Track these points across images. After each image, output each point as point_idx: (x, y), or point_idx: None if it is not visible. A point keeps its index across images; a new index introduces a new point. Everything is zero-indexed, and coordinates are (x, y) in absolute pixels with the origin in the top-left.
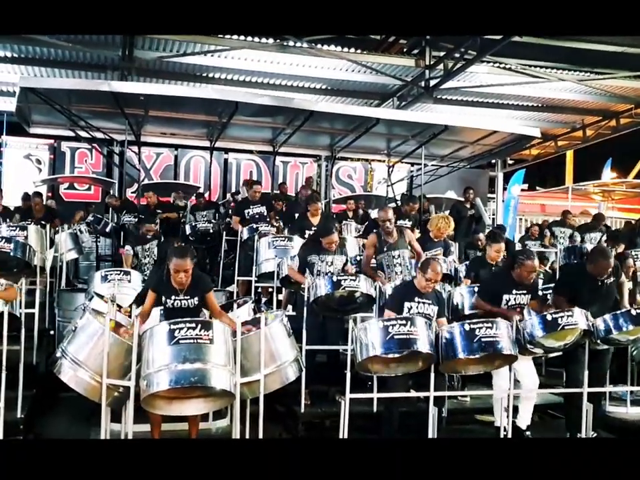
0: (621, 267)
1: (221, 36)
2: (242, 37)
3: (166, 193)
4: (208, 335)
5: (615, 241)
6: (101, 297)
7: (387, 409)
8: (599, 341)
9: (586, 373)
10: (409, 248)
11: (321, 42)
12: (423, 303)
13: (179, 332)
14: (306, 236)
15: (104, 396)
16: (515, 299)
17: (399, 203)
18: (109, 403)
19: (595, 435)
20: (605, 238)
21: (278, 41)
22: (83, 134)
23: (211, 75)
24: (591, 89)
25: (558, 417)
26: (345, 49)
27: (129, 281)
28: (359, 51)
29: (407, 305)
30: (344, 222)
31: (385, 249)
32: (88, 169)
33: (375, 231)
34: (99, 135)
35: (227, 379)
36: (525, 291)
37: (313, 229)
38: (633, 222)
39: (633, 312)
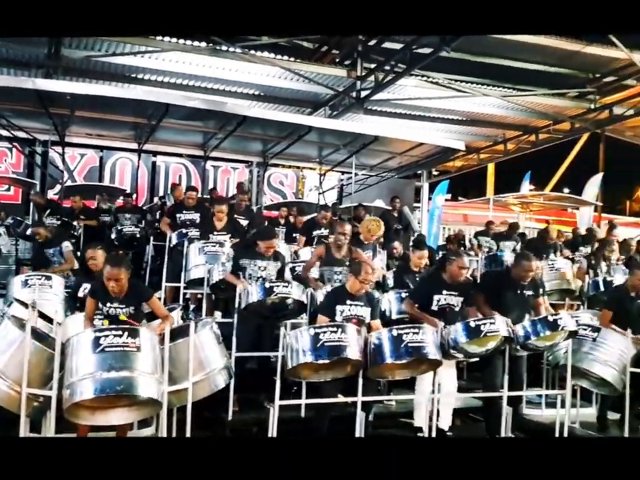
0: None
1: (152, 37)
2: (174, 39)
3: (90, 196)
4: (135, 343)
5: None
6: (22, 303)
7: (317, 413)
8: (518, 347)
9: (506, 377)
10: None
11: (254, 48)
12: (355, 305)
13: (105, 339)
14: (211, 240)
15: (23, 406)
16: (445, 299)
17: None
18: (28, 413)
19: (513, 436)
20: (519, 246)
21: (210, 45)
22: (3, 132)
23: (140, 76)
24: (513, 104)
25: (479, 420)
26: (279, 56)
27: (51, 286)
28: (292, 59)
29: (339, 308)
30: (276, 229)
31: (330, 263)
32: (8, 169)
33: (325, 242)
34: (21, 134)
35: (155, 387)
36: (455, 292)
37: (216, 233)
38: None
39: (550, 318)
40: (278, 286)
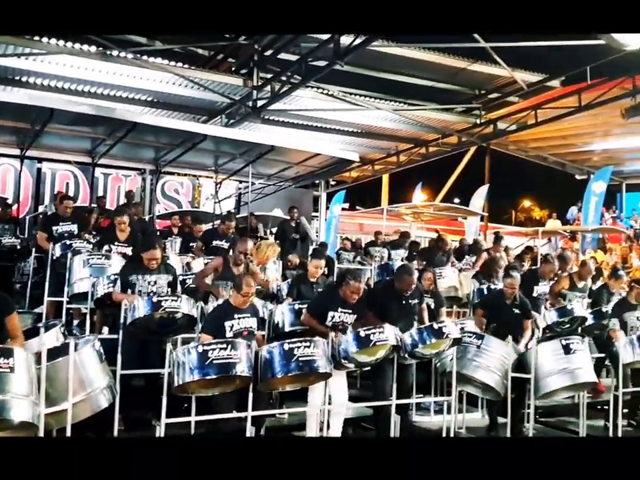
0: (419, 281)
1: (37, 39)
2: (61, 42)
3: None
4: (8, 363)
5: (420, 257)
6: None
7: (209, 430)
8: (406, 355)
9: (394, 385)
10: None
11: (147, 53)
12: (243, 317)
13: None
14: (113, 251)
15: None
16: (339, 317)
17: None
18: None
19: None
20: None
21: (101, 49)
22: None
23: (24, 79)
24: (404, 118)
25: (369, 428)
26: (172, 63)
27: None
28: (186, 66)
29: (227, 324)
30: (169, 239)
31: (226, 277)
32: None
33: (224, 257)
34: None
35: (29, 409)
36: (350, 310)
37: (117, 243)
38: (432, 241)
39: (436, 326)
40: (166, 300)
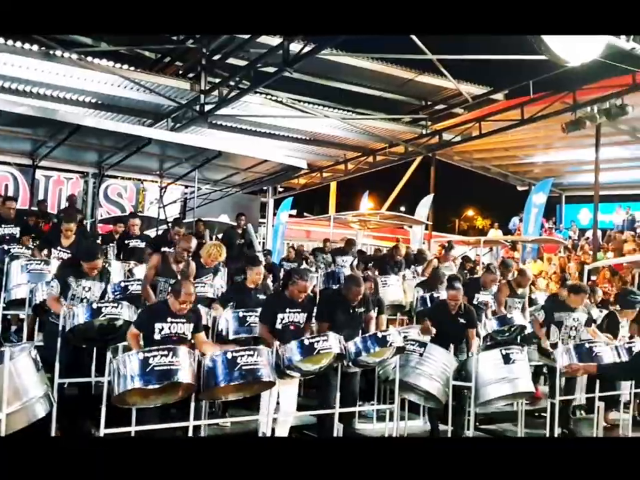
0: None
1: None
2: (1, 40)
3: None
4: None
5: (365, 265)
6: None
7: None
8: (350, 364)
9: (338, 394)
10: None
11: (92, 54)
12: (176, 322)
13: None
14: (53, 256)
15: None
16: (289, 317)
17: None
18: None
19: None
20: (355, 262)
21: (43, 48)
22: None
23: None
24: (353, 127)
25: (312, 436)
26: (118, 65)
27: None
28: (132, 68)
29: (157, 326)
30: (110, 244)
31: (166, 274)
32: None
33: (162, 252)
34: None
35: None
36: (299, 309)
37: (60, 249)
38: (385, 250)
39: (379, 335)
40: (107, 307)
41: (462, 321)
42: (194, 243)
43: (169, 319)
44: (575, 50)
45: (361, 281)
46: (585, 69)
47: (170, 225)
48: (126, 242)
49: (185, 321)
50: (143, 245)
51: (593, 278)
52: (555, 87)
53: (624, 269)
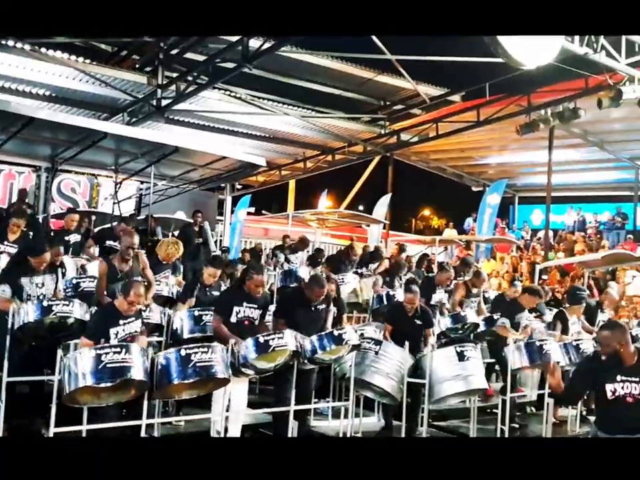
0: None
1: None
2: None
3: None
4: None
5: (314, 265)
6: None
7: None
8: (306, 361)
9: (293, 391)
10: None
11: (46, 46)
12: (128, 323)
13: None
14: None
15: None
16: (244, 312)
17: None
18: None
19: None
20: (307, 261)
21: None
22: None
23: None
24: (312, 125)
25: (268, 434)
26: (73, 57)
27: None
28: (87, 61)
29: (112, 330)
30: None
31: (117, 278)
32: None
33: (104, 258)
34: None
35: None
36: (255, 305)
37: (6, 243)
38: (341, 249)
39: (335, 333)
40: (57, 304)
41: (418, 322)
42: (137, 238)
43: (121, 322)
44: (531, 53)
45: (324, 281)
46: (539, 73)
47: (119, 219)
48: (66, 238)
49: (134, 318)
50: (78, 238)
51: (544, 277)
52: (511, 89)
53: (574, 269)
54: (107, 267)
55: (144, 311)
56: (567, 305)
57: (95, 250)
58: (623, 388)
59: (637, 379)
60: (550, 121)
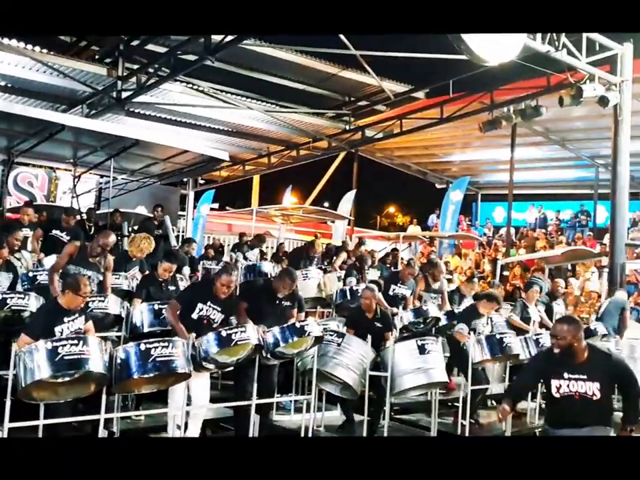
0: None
1: None
2: None
3: None
4: None
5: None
6: None
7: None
8: (269, 355)
9: (255, 385)
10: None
11: (1, 34)
12: (73, 320)
13: None
14: None
15: None
16: (207, 311)
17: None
18: None
19: None
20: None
21: None
22: None
23: None
24: (276, 120)
25: (229, 429)
26: (30, 46)
27: None
28: (45, 51)
29: (57, 329)
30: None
31: (80, 263)
32: None
33: (77, 242)
34: None
35: None
36: (219, 307)
37: None
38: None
39: (297, 325)
40: (12, 297)
41: (378, 324)
42: (112, 238)
43: (66, 319)
44: (494, 50)
45: (295, 275)
46: (502, 70)
47: (64, 211)
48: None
49: (77, 315)
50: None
51: (506, 273)
52: (474, 87)
53: (535, 264)
54: (77, 251)
55: (102, 301)
56: (524, 295)
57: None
58: (568, 386)
59: (585, 377)
60: (512, 119)
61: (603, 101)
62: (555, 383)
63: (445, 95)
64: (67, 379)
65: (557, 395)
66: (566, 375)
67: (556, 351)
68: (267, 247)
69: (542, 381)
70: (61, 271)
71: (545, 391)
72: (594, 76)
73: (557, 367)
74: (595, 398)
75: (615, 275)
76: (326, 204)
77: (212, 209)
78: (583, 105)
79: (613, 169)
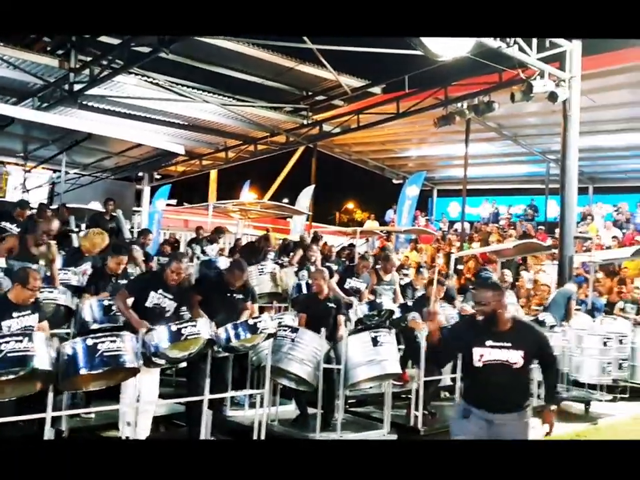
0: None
1: None
2: None
3: None
4: None
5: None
6: None
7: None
8: (221, 349)
9: (207, 380)
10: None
11: None
12: (23, 316)
13: None
14: None
15: None
16: (159, 299)
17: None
18: None
19: (214, 438)
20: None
21: None
22: None
23: None
24: (233, 113)
25: (182, 425)
26: None
27: None
28: None
29: (4, 324)
30: None
31: (23, 257)
32: None
33: (20, 235)
34: None
35: None
36: (171, 296)
37: None
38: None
39: (250, 322)
40: None
41: (331, 305)
42: (55, 225)
43: (15, 314)
44: (447, 46)
45: (245, 266)
46: (456, 66)
47: (18, 204)
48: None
49: (30, 312)
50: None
51: (460, 267)
52: (429, 82)
53: (488, 258)
54: (17, 245)
55: (51, 292)
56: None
57: None
58: (491, 354)
59: (509, 344)
60: (465, 114)
61: (552, 96)
62: (477, 351)
63: (401, 90)
64: (12, 376)
65: (479, 364)
66: (489, 343)
67: (479, 318)
68: (224, 243)
69: (465, 349)
70: (5, 266)
71: (464, 362)
72: (544, 72)
73: (480, 335)
74: (516, 366)
75: (564, 267)
76: (285, 199)
77: (169, 205)
78: (535, 101)
79: (562, 164)
